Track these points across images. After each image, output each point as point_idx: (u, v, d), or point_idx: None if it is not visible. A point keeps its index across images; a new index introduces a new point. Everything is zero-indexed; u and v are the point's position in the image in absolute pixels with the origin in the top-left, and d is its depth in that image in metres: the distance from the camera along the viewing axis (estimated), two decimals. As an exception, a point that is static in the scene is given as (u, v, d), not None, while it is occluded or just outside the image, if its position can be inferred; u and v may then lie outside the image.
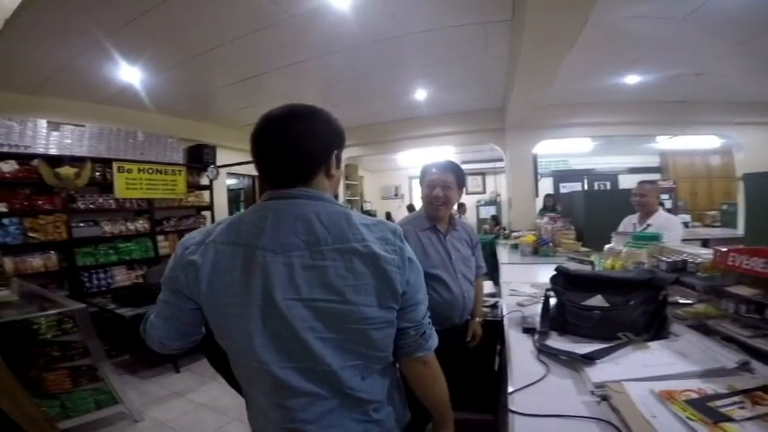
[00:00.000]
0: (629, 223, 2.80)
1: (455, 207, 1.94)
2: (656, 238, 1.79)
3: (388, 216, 9.42)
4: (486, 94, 5.05)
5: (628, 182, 9.07)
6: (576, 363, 1.16)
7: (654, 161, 9.11)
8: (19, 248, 3.45)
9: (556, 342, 1.34)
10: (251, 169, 5.76)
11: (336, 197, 0.97)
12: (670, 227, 2.51)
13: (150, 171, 4.22)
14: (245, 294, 0.76)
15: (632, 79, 4.35)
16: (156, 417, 2.71)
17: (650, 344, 1.22)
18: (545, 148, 6.13)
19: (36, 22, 2.45)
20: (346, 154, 6.32)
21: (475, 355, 1.94)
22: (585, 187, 9.49)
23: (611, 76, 4.26)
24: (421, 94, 4.86)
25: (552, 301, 1.52)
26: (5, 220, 3.39)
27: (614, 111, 5.33)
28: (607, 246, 2.12)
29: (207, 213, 5.23)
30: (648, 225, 2.62)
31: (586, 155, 9.01)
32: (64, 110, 3.94)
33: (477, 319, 1.93)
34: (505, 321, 1.70)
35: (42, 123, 3.73)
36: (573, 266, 1.88)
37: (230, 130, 5.76)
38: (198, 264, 0.78)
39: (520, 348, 1.39)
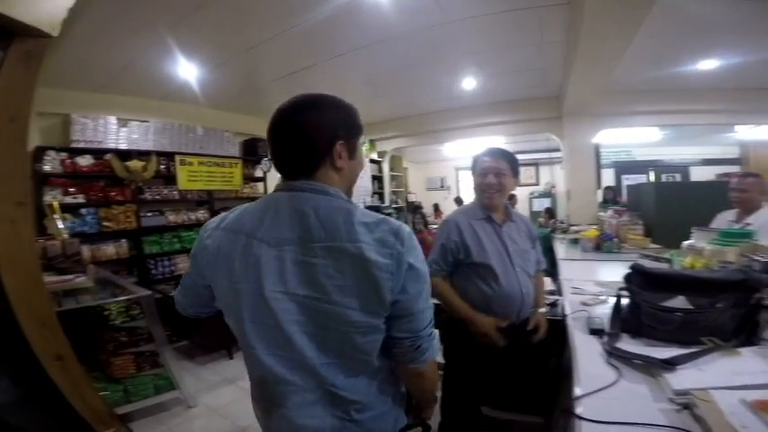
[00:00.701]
0: (723, 220, 2.52)
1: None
2: (749, 235, 1.62)
3: (436, 207, 9.34)
4: (540, 82, 4.82)
5: (701, 174, 8.40)
6: (653, 368, 1.10)
7: (732, 152, 8.32)
8: (95, 237, 3.80)
9: (628, 345, 1.28)
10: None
11: (350, 190, 0.91)
12: None
13: (209, 164, 4.49)
14: (241, 281, 0.80)
15: (707, 64, 3.97)
16: (209, 403, 2.84)
17: (741, 350, 1.13)
18: (605, 137, 5.76)
19: (100, 20, 2.60)
20: (391, 145, 6.38)
21: (531, 355, 1.82)
22: (652, 179, 8.88)
23: (682, 61, 3.91)
24: (469, 83, 4.73)
25: (623, 301, 1.44)
26: (83, 211, 3.74)
27: (686, 98, 4.89)
28: (686, 242, 1.96)
29: (262, 204, 5.47)
30: (748, 224, 2.29)
31: (653, 145, 8.40)
32: (130, 107, 4.27)
33: (542, 310, 1.82)
34: (569, 321, 1.63)
35: (112, 120, 4.06)
36: (647, 264, 1.74)
37: (281, 124, 5.93)
38: (209, 247, 0.85)
39: (587, 350, 1.33)
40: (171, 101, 4.49)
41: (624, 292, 1.41)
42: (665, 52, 3.65)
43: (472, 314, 1.67)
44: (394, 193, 8.35)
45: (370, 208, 6.21)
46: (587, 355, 1.29)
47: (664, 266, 1.79)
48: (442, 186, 11.05)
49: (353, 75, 4.27)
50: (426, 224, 5.52)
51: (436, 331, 0.88)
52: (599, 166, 5.54)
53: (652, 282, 1.33)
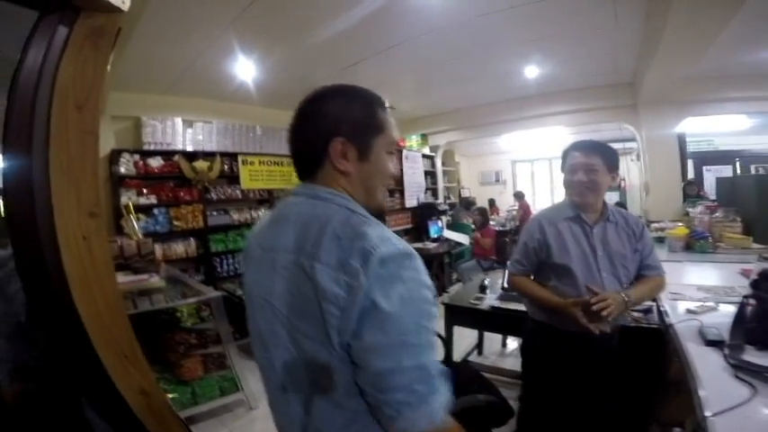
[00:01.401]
0: None
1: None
2: None
3: (492, 203, 9.10)
4: (612, 68, 4.56)
5: (794, 165, 7.53)
6: None
7: (833, 139, 7.39)
8: (166, 236, 4.07)
9: (757, 358, 1.18)
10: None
11: (371, 197, 0.78)
12: None
13: (269, 163, 4.67)
14: (246, 284, 0.82)
15: None
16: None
17: None
18: (687, 126, 5.32)
19: (159, 22, 2.74)
20: (444, 139, 6.32)
21: (621, 368, 1.68)
22: (738, 170, 8.13)
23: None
24: (531, 72, 4.57)
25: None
26: (155, 211, 4.02)
27: (781, 82, 4.41)
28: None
29: (317, 201, 5.62)
30: None
31: (739, 134, 7.68)
32: (194, 108, 4.53)
33: (627, 295, 1.51)
34: (676, 330, 1.51)
35: (178, 121, 4.34)
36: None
37: (333, 121, 6.07)
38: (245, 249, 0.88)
39: (706, 364, 1.23)
40: (231, 101, 4.72)
41: (750, 300, 1.28)
42: (761, 33, 3.30)
43: (557, 301, 1.56)
44: (446, 188, 8.25)
45: (423, 205, 6.09)
46: (708, 370, 1.20)
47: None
48: (498, 180, 10.75)
49: (404, 67, 4.26)
50: (487, 222, 5.38)
51: (442, 397, 0.66)
52: (684, 158, 5.12)
53: (789, 289, 1.20)
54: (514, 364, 3.35)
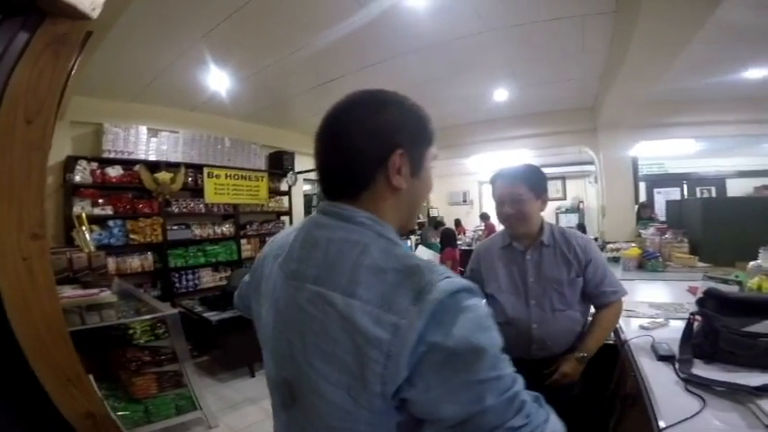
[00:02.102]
0: None
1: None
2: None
3: (458, 223, 9.25)
4: (576, 93, 4.82)
5: (737, 186, 8.21)
6: (740, 395, 1.07)
7: (769, 163, 8.09)
8: (121, 249, 3.88)
9: (705, 371, 1.23)
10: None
11: (411, 220, 0.71)
12: None
13: (236, 177, 4.57)
14: (261, 304, 0.73)
15: (754, 74, 3.94)
16: (230, 424, 2.80)
17: None
18: (639, 150, 5.68)
19: (134, 29, 2.69)
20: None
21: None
22: (685, 193, 8.72)
23: (727, 70, 3.88)
24: (501, 95, 4.75)
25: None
26: (111, 222, 3.84)
27: (728, 108, 4.84)
28: (752, 263, 1.88)
29: (286, 218, 5.55)
30: None
31: (687, 157, 8.25)
32: (160, 117, 4.40)
33: (578, 355, 1.48)
34: (630, 346, 1.57)
35: (143, 130, 4.19)
36: (721, 288, 1.67)
37: (307, 137, 5.94)
38: (261, 259, 0.80)
39: (659, 378, 1.28)
40: (200, 111, 4.61)
41: (696, 317, 1.35)
42: (711, 61, 3.61)
43: None
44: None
45: None
46: (661, 384, 1.24)
47: (734, 289, 1.71)
48: (465, 201, 10.99)
49: (380, 86, 4.24)
50: (449, 244, 5.40)
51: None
52: (636, 181, 5.43)
53: (731, 306, 1.28)
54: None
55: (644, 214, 5.80)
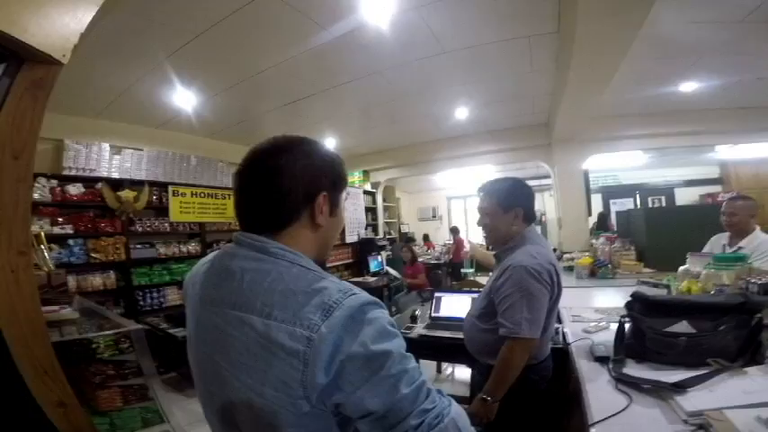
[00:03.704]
0: (717, 243, 2.53)
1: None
2: (742, 258, 1.67)
3: (426, 238, 9.36)
4: (530, 110, 5.01)
5: (685, 195, 8.66)
6: (663, 391, 1.13)
7: (713, 172, 8.63)
8: (82, 267, 3.71)
9: (634, 370, 1.30)
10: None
11: (324, 253, 0.77)
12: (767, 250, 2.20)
13: (202, 195, 4.47)
14: (189, 332, 0.77)
15: (688, 87, 4.19)
16: None
17: (747, 369, 1.18)
18: (593, 163, 5.95)
19: (99, 46, 2.64)
20: (385, 176, 6.46)
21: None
22: (638, 203, 9.12)
23: (664, 83, 4.13)
24: (461, 113, 4.89)
25: (625, 327, 1.46)
26: (71, 241, 3.67)
27: (669, 121, 5.13)
28: (681, 267, 2.00)
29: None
30: (740, 248, 2.31)
31: (638, 168, 8.67)
32: (124, 134, 4.27)
33: (480, 395, 1.41)
34: (572, 349, 1.64)
35: (106, 147, 4.06)
36: (645, 290, 1.77)
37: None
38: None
39: (593, 378, 1.35)
40: (166, 129, 4.53)
41: (626, 319, 1.43)
42: (648, 75, 3.84)
43: None
44: (387, 224, 8.38)
45: (364, 241, 6.08)
46: (595, 383, 1.30)
47: (663, 292, 1.81)
48: (434, 216, 11.13)
49: (349, 105, 4.39)
50: (414, 259, 5.38)
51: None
52: (589, 192, 5.66)
53: (654, 308, 1.36)
54: (450, 388, 3.41)
55: (602, 225, 6.03)
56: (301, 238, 0.71)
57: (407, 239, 7.65)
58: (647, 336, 1.32)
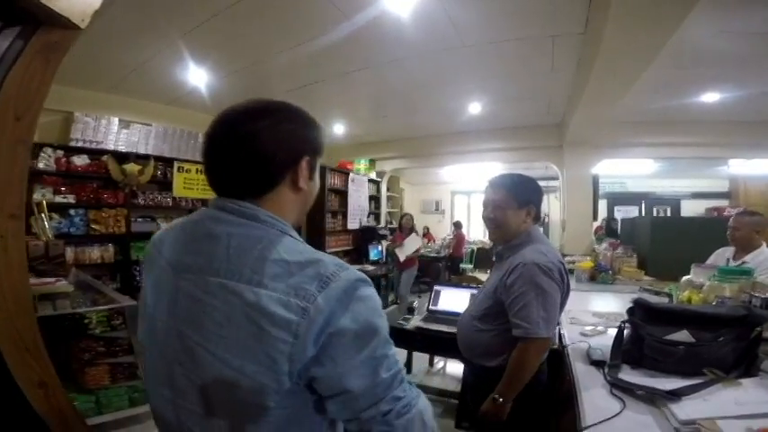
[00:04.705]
0: (722, 256, 2.53)
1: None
2: (748, 272, 1.66)
3: (426, 230, 9.33)
4: (545, 110, 4.96)
5: (691, 207, 8.62)
6: (657, 398, 1.13)
7: (722, 186, 8.56)
8: (81, 239, 3.74)
9: (630, 376, 1.31)
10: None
11: (302, 216, 0.77)
12: None
13: (207, 172, 4.46)
14: (146, 302, 0.71)
15: (710, 97, 4.10)
16: None
17: (742, 381, 1.18)
18: (602, 168, 5.89)
19: (116, 21, 2.64)
20: (391, 165, 6.44)
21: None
22: (643, 211, 9.09)
23: (685, 93, 4.04)
24: (475, 108, 4.84)
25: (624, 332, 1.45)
26: (72, 211, 3.69)
27: (685, 130, 5.04)
28: (685, 277, 2.00)
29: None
30: (744, 262, 2.31)
31: (646, 177, 8.61)
32: (134, 108, 4.28)
33: (494, 396, 1.38)
34: (569, 351, 1.64)
35: (115, 121, 4.07)
36: (646, 298, 1.76)
37: (282, 137, 5.98)
38: (145, 257, 0.80)
39: (588, 381, 1.35)
40: (176, 106, 4.52)
41: (626, 325, 1.42)
42: (670, 84, 3.76)
43: None
44: (389, 214, 8.37)
45: (365, 228, 6.06)
46: (590, 386, 1.30)
47: (664, 300, 1.81)
48: (437, 209, 11.11)
49: (362, 92, 4.35)
50: (413, 231, 5.34)
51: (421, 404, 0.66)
52: (596, 197, 5.62)
53: (656, 316, 1.36)
54: (440, 382, 3.43)
55: (613, 226, 6.01)
56: (284, 202, 0.69)
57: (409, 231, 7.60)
58: (646, 342, 1.32)
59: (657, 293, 1.83)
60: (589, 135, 4.97)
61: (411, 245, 5.17)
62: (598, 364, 1.44)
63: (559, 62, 3.44)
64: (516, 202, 1.49)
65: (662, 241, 3.54)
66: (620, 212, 8.57)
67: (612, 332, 1.82)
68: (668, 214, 8.94)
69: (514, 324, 1.34)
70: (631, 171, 7.83)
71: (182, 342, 0.63)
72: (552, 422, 1.75)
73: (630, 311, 1.43)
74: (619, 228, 5.51)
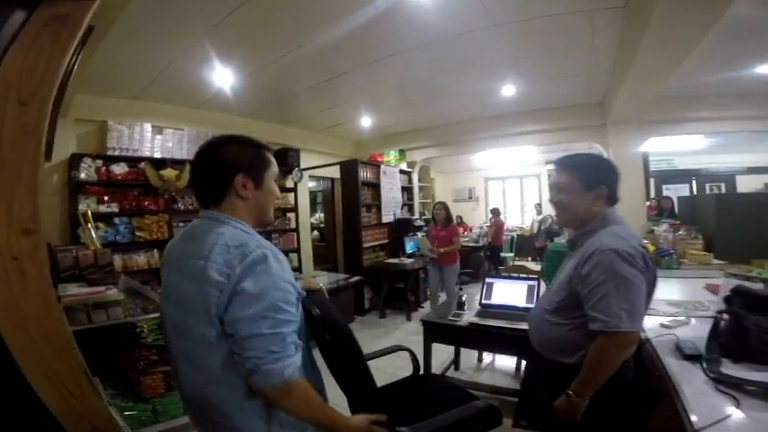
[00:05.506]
0: None
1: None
2: None
3: (460, 220, 9.21)
4: (584, 88, 4.77)
5: (747, 183, 8.16)
6: None
7: (782, 159, 8.02)
8: (127, 246, 3.87)
9: (734, 371, 1.23)
10: (331, 172, 6.07)
11: (264, 216, 1.08)
12: None
13: (241, 174, 4.53)
14: (162, 298, 1.07)
15: (767, 69, 3.84)
16: None
17: None
18: (648, 146, 5.62)
19: (135, 25, 2.66)
20: (421, 155, 6.32)
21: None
22: (694, 189, 8.67)
23: (739, 65, 3.80)
24: (508, 90, 4.70)
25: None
26: (117, 220, 3.82)
27: (739, 104, 4.75)
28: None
29: (292, 215, 5.49)
30: None
31: (696, 153, 8.19)
32: (165, 114, 4.38)
33: (569, 393, 1.31)
34: (654, 345, 1.55)
35: (147, 127, 4.16)
36: (739, 284, 1.64)
37: (312, 133, 6.05)
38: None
39: (686, 378, 1.27)
40: (205, 109, 4.60)
41: (724, 315, 1.32)
42: (725, 56, 3.55)
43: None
44: (422, 204, 8.29)
45: (400, 221, 5.88)
46: (690, 383, 1.23)
47: (758, 286, 1.68)
48: (470, 197, 10.97)
49: (387, 81, 4.29)
50: (450, 219, 4.90)
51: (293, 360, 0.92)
52: (648, 177, 5.37)
53: (761, 304, 1.25)
54: (490, 378, 3.38)
55: (665, 205, 5.75)
56: (236, 207, 1.01)
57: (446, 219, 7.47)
58: (752, 333, 1.23)
59: (749, 279, 1.69)
60: (635, 112, 4.74)
61: (424, 244, 4.86)
62: (692, 358, 1.36)
63: (599, 38, 3.29)
64: (582, 183, 1.40)
65: (729, 221, 3.32)
66: (670, 191, 8.21)
67: (697, 322, 1.75)
68: (722, 191, 8.48)
69: (591, 317, 1.25)
70: (680, 147, 7.47)
71: (180, 322, 0.96)
72: (638, 419, 1.68)
73: (728, 300, 1.34)
74: (675, 207, 5.24)
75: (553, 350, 1.44)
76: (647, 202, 5.69)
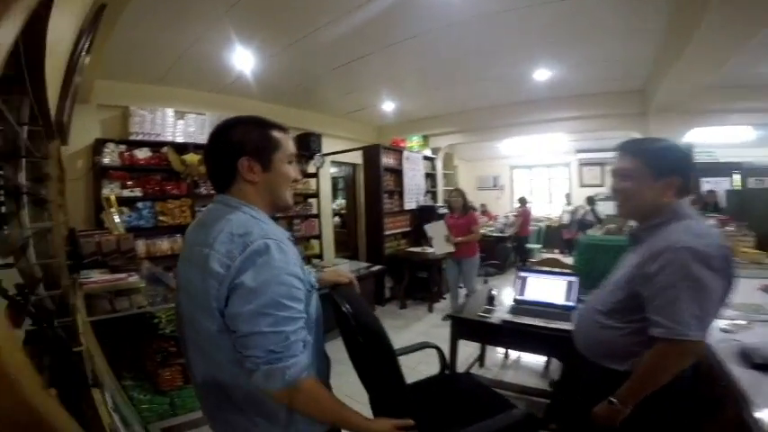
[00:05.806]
0: None
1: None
2: None
3: (484, 209, 9.01)
4: (623, 74, 4.52)
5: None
6: None
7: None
8: (151, 231, 3.91)
9: None
10: (353, 157, 6.00)
11: (276, 200, 1.03)
12: None
13: (263, 159, 4.51)
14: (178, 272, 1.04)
15: None
16: None
17: None
18: (690, 137, 5.32)
19: (153, 7, 2.62)
20: (446, 141, 6.17)
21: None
22: (738, 183, 8.22)
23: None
24: (542, 75, 4.50)
25: None
26: (140, 204, 3.85)
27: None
28: None
29: (313, 201, 5.47)
30: None
31: (741, 146, 7.76)
32: (187, 99, 4.39)
33: (611, 399, 1.22)
34: (715, 351, 1.42)
35: (169, 112, 4.17)
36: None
37: (333, 118, 5.98)
38: None
39: (760, 389, 1.16)
40: (226, 94, 4.58)
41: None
42: None
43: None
44: (446, 192, 8.15)
45: (423, 208, 5.67)
46: (765, 395, 1.10)
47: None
48: (495, 186, 10.75)
49: (411, 64, 4.16)
50: (468, 208, 4.54)
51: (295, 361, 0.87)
52: (693, 169, 5.08)
53: None
54: (514, 376, 3.27)
55: (709, 200, 5.49)
56: (246, 192, 0.98)
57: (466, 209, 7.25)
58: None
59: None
60: (680, 101, 4.49)
61: (437, 234, 4.44)
62: (762, 368, 1.22)
63: (645, 22, 3.10)
64: (651, 171, 1.25)
65: (786, 216, 3.09)
66: (709, 184, 7.81)
67: (760, 327, 1.60)
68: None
69: (654, 321, 1.13)
70: (723, 139, 7.15)
71: (187, 312, 0.96)
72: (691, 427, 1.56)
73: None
74: (723, 202, 4.96)
75: (601, 354, 1.32)
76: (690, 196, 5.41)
